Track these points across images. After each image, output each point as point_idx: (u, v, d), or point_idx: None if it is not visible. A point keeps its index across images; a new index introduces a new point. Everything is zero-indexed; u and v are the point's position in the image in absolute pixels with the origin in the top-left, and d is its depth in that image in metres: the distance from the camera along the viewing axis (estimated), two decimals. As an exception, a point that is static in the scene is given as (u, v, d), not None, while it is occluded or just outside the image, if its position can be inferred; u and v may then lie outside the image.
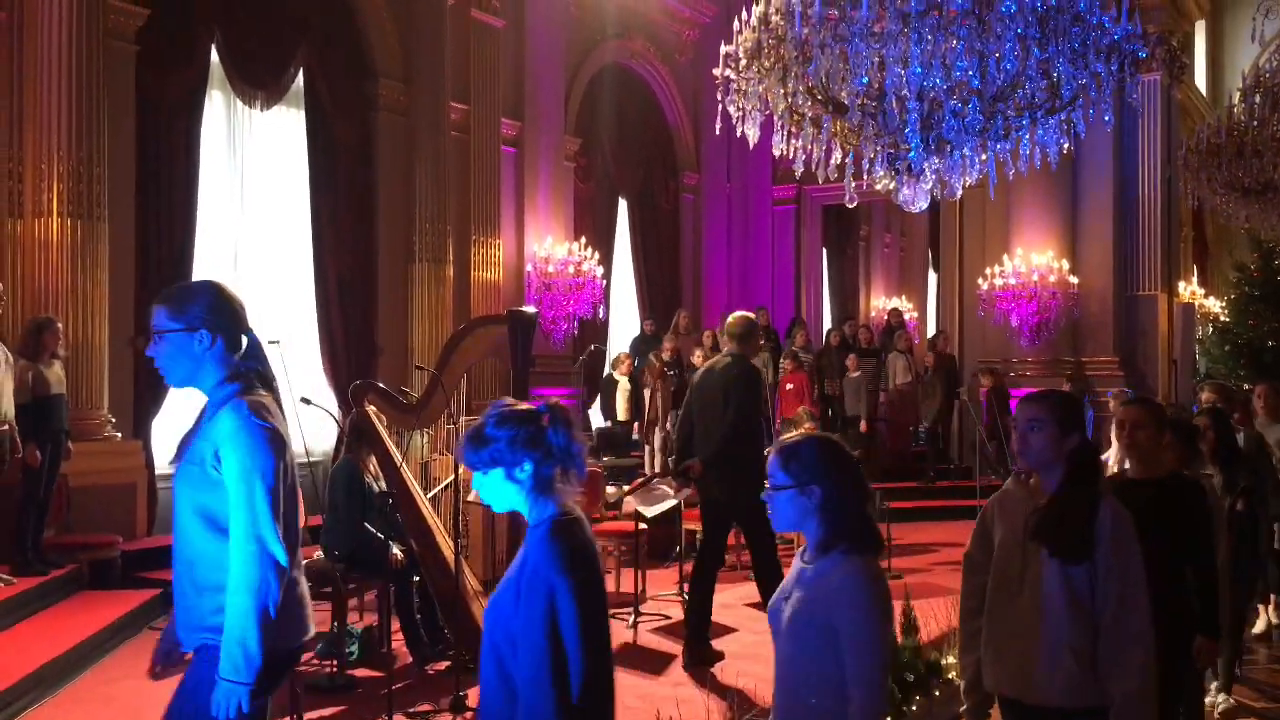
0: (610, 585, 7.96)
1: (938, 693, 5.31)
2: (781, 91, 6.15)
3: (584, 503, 8.09)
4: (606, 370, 12.38)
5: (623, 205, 14.10)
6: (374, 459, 6.26)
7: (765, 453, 3.31)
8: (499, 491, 2.51)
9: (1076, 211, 13.51)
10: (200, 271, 8.89)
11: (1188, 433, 4.65)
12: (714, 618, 7.21)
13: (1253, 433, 6.29)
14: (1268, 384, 7.00)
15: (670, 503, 7.21)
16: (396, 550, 6.03)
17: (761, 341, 9.86)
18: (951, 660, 5.27)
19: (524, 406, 2.55)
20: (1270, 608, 6.95)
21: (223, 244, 9.32)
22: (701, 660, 6.14)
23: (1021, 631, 2.90)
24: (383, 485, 6.20)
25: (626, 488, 8.57)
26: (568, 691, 2.33)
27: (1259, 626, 6.92)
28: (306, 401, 6.18)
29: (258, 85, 9.37)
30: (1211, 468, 5.09)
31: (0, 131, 7.65)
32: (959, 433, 13.39)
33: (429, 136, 10.72)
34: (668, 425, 11.79)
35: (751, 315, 6.91)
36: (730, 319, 6.70)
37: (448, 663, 5.89)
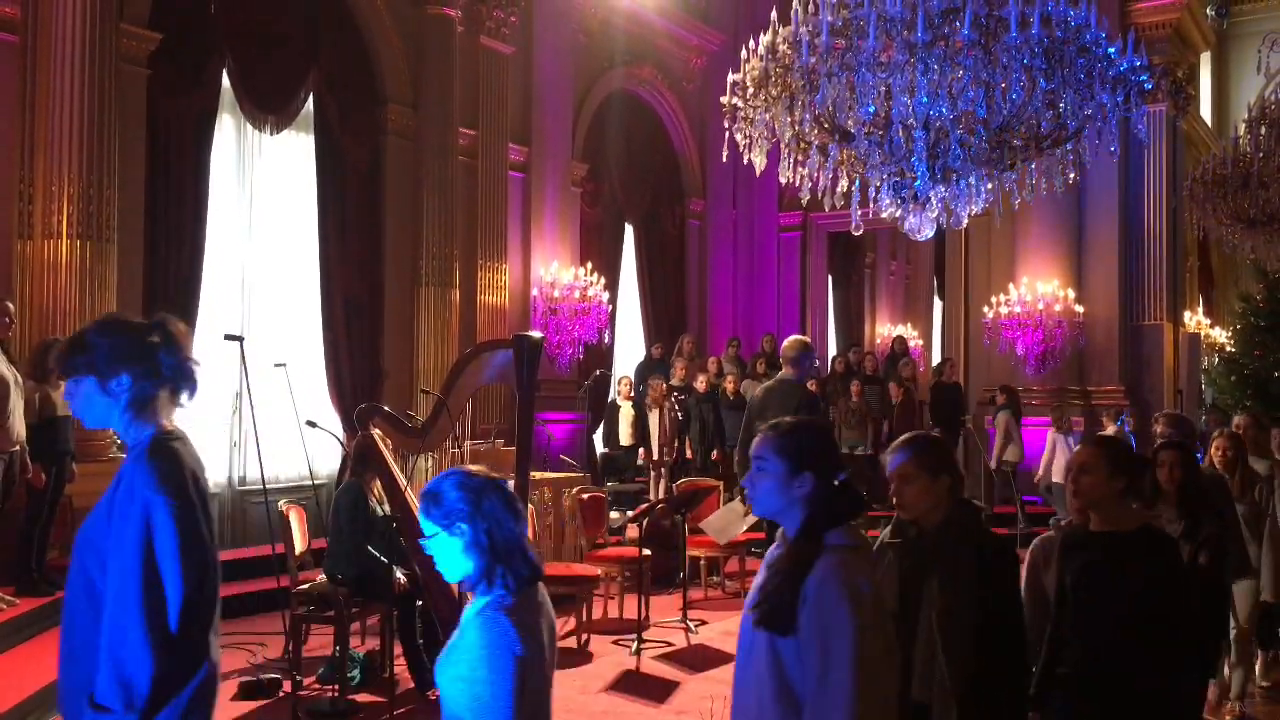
0: (614, 611, 7.94)
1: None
2: (788, 119, 6.19)
3: (586, 528, 8.02)
4: (611, 395, 12.39)
5: (629, 231, 14.13)
6: (378, 482, 6.26)
7: None
8: (90, 404, 2.30)
9: (1082, 240, 13.54)
10: (207, 293, 8.92)
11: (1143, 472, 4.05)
12: (717, 645, 7.20)
13: (1218, 472, 5.42)
14: (1250, 415, 6.40)
15: (742, 527, 7.40)
16: (400, 574, 6.02)
17: (816, 364, 9.96)
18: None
19: (135, 319, 2.37)
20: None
21: (231, 266, 9.36)
22: None
23: (744, 710, 2.47)
24: (387, 509, 6.19)
25: (630, 513, 8.57)
26: (161, 615, 2.17)
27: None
28: (312, 424, 6.19)
29: (268, 109, 9.43)
30: (1170, 512, 4.26)
31: (11, 153, 7.70)
32: (964, 463, 13.35)
33: (437, 161, 10.77)
34: (674, 449, 11.80)
35: (806, 339, 7.14)
36: (786, 343, 6.97)
37: (450, 688, 5.85)
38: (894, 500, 3.23)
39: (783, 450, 2.43)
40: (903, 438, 3.32)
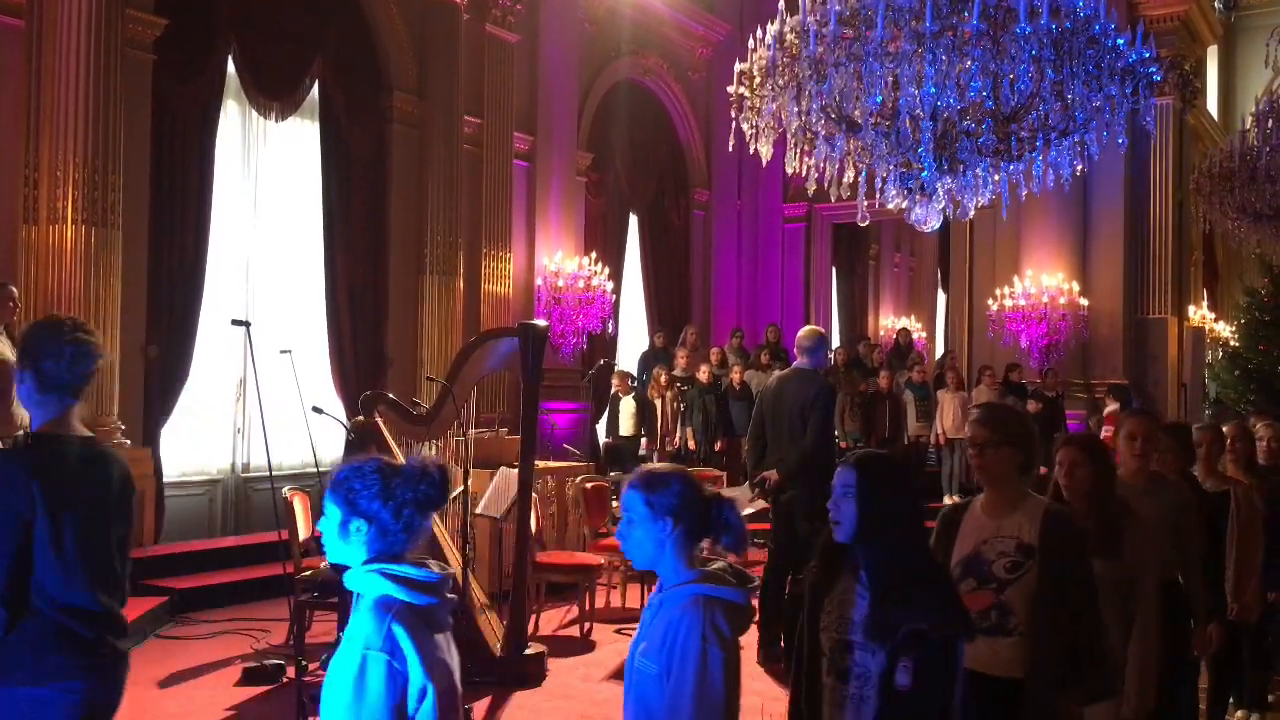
0: (616, 601, 7.95)
1: None
2: (795, 109, 6.16)
3: (589, 517, 8.02)
4: (613, 385, 12.38)
5: (633, 220, 14.12)
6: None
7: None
8: None
9: (1087, 233, 13.51)
10: (212, 280, 8.92)
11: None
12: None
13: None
14: (1141, 419, 4.11)
15: (746, 509, 7.38)
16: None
17: (831, 355, 9.92)
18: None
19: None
20: None
21: (235, 253, 9.35)
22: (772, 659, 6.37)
23: None
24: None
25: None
26: None
27: None
28: (318, 410, 6.19)
29: (273, 96, 9.41)
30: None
31: (17, 138, 7.69)
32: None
33: (442, 149, 10.75)
34: (676, 438, 11.80)
35: (821, 329, 7.14)
36: (801, 333, 6.92)
37: (452, 675, 5.86)
38: None
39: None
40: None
